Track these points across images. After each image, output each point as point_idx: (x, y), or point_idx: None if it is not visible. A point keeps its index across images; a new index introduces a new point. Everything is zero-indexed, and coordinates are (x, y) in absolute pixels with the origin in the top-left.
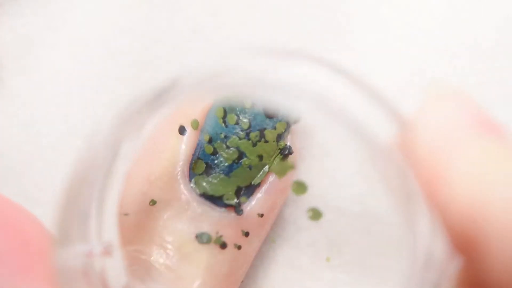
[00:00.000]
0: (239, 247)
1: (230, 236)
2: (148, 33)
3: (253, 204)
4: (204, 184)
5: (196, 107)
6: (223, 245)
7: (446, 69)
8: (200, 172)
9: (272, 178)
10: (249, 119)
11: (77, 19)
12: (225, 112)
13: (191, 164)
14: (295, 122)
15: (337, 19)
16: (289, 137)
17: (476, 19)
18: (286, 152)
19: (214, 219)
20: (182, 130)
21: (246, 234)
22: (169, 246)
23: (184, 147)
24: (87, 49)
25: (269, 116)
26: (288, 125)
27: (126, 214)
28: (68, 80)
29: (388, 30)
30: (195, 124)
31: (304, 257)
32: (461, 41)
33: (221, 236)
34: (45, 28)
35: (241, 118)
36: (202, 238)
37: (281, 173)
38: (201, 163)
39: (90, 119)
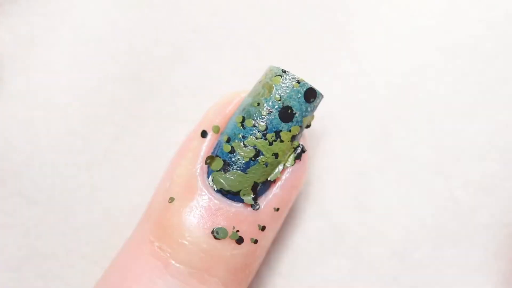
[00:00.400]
0: (255, 241)
1: (246, 231)
2: (148, 33)
3: (270, 198)
4: (221, 180)
5: (219, 116)
6: (240, 240)
7: (446, 68)
8: (218, 169)
9: (287, 174)
10: (265, 123)
11: (76, 19)
12: (243, 118)
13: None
14: (307, 126)
15: (337, 19)
16: (301, 139)
17: (475, 18)
18: (300, 150)
19: (231, 215)
20: (204, 134)
21: (263, 228)
22: (186, 242)
23: (204, 148)
24: (86, 49)
25: (284, 121)
26: (301, 128)
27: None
28: (67, 80)
29: (388, 30)
30: (216, 129)
31: (311, 244)
32: (461, 40)
33: (237, 231)
34: (44, 28)
35: (258, 121)
36: (218, 234)
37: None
38: (219, 160)
39: (89, 120)
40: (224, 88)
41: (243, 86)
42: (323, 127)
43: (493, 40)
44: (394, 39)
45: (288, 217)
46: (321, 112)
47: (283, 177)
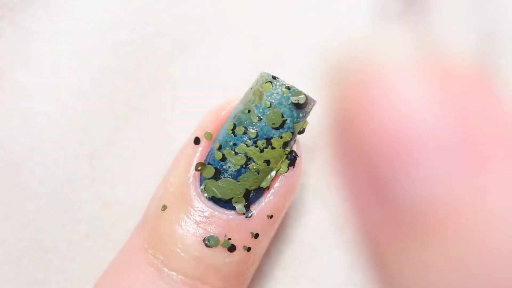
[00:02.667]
0: (248, 249)
1: (239, 239)
2: (148, 25)
3: (263, 205)
4: (213, 188)
5: (212, 123)
6: (232, 248)
7: None
8: (210, 177)
9: (280, 180)
10: (256, 130)
11: (76, 10)
12: (235, 125)
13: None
14: (301, 132)
15: (338, 10)
16: (295, 145)
17: None
18: (293, 156)
19: (222, 223)
20: (197, 141)
21: (256, 236)
22: (179, 250)
23: (197, 155)
24: (86, 41)
25: (276, 128)
26: (293, 135)
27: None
28: (67, 72)
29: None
30: (208, 136)
31: (313, 236)
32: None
33: (229, 239)
34: (45, 20)
35: (248, 129)
36: (210, 242)
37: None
38: (211, 168)
39: (90, 112)
40: (224, 79)
41: (243, 78)
42: (323, 119)
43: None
44: (393, 29)
45: (288, 209)
46: (321, 101)
47: (277, 184)
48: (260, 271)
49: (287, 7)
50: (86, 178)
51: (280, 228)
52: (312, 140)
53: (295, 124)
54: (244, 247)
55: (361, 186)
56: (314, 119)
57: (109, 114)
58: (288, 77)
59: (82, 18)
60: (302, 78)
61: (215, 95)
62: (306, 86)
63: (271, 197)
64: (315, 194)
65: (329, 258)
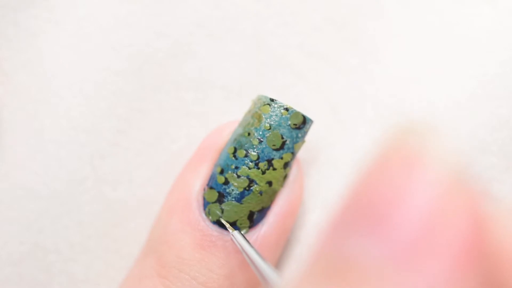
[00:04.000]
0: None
1: (244, 260)
2: (150, 26)
3: (265, 228)
4: (217, 212)
5: (213, 147)
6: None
7: (450, 63)
8: (213, 201)
9: (281, 201)
10: (257, 152)
11: (80, 12)
12: (235, 149)
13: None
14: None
15: (342, 13)
16: (295, 163)
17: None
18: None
19: (228, 246)
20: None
21: None
22: (186, 276)
23: (199, 180)
24: (88, 42)
25: (276, 149)
26: (293, 155)
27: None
28: (70, 73)
29: (392, 29)
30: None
31: (311, 235)
32: (461, 37)
33: None
34: (47, 21)
35: (249, 152)
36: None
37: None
38: (214, 192)
39: (92, 113)
40: (226, 81)
41: (245, 80)
42: (325, 120)
43: (493, 32)
44: (395, 30)
45: None
46: (324, 106)
47: (279, 205)
48: None
49: (290, 10)
50: (89, 179)
51: None
52: (313, 140)
53: (294, 144)
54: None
55: None
56: (316, 120)
57: (111, 116)
58: (289, 81)
59: (85, 20)
60: (303, 82)
61: (217, 97)
62: (307, 89)
63: (273, 218)
64: (314, 194)
65: None
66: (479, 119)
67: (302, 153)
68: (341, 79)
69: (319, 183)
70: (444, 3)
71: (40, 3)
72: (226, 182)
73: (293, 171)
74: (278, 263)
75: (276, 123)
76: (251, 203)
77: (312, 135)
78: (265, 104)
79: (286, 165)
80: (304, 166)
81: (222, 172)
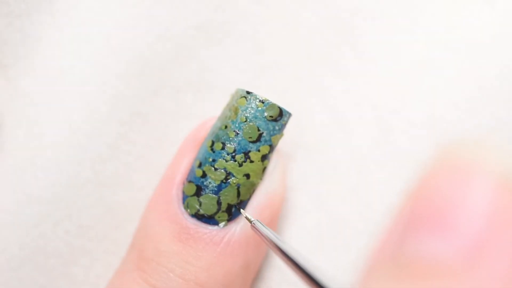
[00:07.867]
0: None
1: (222, 253)
2: (151, 30)
3: (243, 223)
4: (195, 205)
5: (194, 141)
6: None
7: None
8: (191, 194)
9: (260, 195)
10: (233, 145)
11: (81, 16)
12: (213, 142)
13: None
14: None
15: (340, 15)
16: (275, 155)
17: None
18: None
19: (207, 238)
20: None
21: None
22: (164, 269)
23: (179, 174)
24: (90, 46)
25: (253, 141)
26: (271, 147)
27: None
28: (71, 77)
29: (389, 26)
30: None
31: (309, 237)
32: (461, 35)
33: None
34: (50, 26)
35: (226, 144)
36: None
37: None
38: (192, 185)
39: (93, 117)
40: (226, 84)
41: (245, 82)
42: (322, 121)
43: (492, 35)
44: (394, 32)
45: (286, 211)
46: (321, 104)
47: (256, 199)
48: (257, 272)
49: (289, 13)
50: (89, 183)
51: (278, 229)
52: (313, 141)
53: (272, 137)
54: None
55: None
56: (315, 120)
57: (112, 119)
58: (288, 82)
59: (86, 24)
60: (302, 83)
61: (217, 100)
62: (306, 90)
63: (252, 211)
64: (313, 196)
65: (326, 260)
66: (478, 121)
67: (301, 154)
68: (340, 81)
69: (318, 183)
70: (443, 6)
71: (45, 8)
72: (204, 175)
73: (273, 164)
74: (274, 265)
75: (252, 115)
76: (229, 196)
77: (311, 136)
78: (241, 97)
79: (264, 157)
80: (303, 167)
81: (200, 165)
